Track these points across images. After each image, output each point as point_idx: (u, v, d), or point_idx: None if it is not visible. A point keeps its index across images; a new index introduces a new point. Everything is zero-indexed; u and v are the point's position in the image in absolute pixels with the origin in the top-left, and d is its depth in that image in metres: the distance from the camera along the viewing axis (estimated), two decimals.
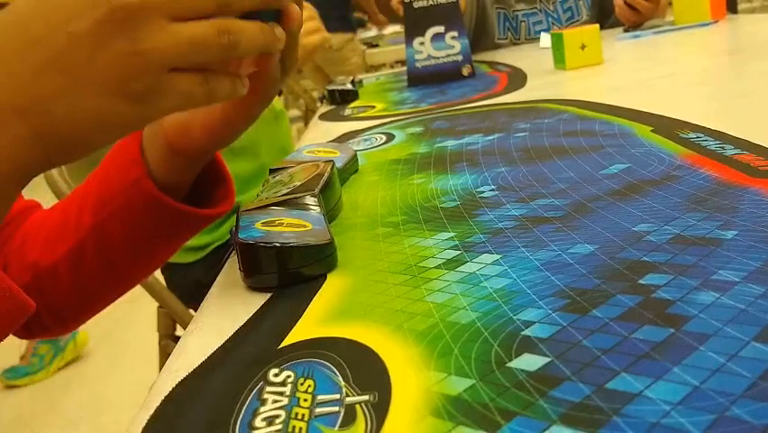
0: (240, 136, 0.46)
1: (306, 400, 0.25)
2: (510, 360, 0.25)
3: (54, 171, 1.01)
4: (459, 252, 0.37)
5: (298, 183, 0.49)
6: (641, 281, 0.29)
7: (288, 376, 0.27)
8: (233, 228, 0.41)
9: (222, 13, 0.32)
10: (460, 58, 1.18)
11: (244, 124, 0.44)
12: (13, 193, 0.33)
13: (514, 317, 0.28)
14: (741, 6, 3.60)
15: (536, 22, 1.62)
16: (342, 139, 0.82)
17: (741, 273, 0.28)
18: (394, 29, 3.81)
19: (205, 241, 1.02)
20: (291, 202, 0.44)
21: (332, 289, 0.36)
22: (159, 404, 0.27)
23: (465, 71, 1.17)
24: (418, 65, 1.20)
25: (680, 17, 1.36)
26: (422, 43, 1.18)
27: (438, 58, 1.18)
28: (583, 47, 1.07)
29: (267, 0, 0.34)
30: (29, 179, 0.33)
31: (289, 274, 0.37)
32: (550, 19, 1.64)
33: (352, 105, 1.17)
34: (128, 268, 0.52)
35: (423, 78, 1.20)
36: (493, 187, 0.49)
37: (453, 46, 1.17)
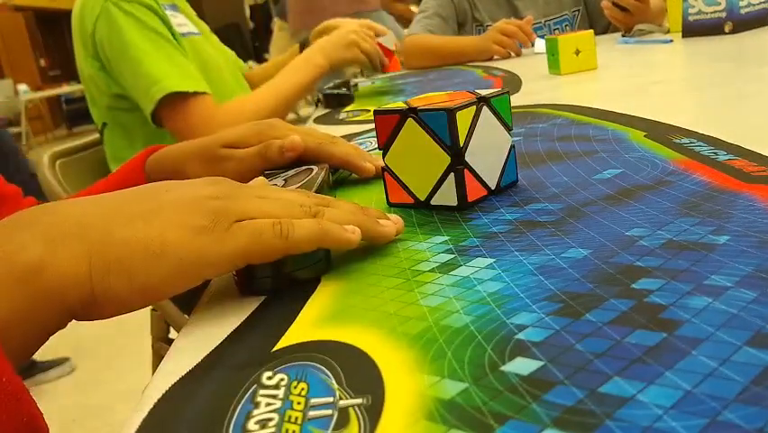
0: None
1: (299, 403, 0.25)
2: (503, 364, 0.25)
3: (50, 176, 1.01)
4: (453, 255, 0.37)
5: (293, 187, 0.49)
6: (634, 286, 0.29)
7: (282, 379, 0.27)
8: None
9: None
10: (723, 15, 1.21)
11: None
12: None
13: (507, 321, 0.28)
14: None
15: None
16: None
17: (733, 278, 0.28)
18: None
19: None
20: None
21: (325, 292, 0.36)
22: (152, 407, 0.27)
23: (727, 28, 1.20)
24: (690, 18, 1.26)
25: (675, 23, 1.37)
26: None
27: (706, 13, 1.23)
28: (578, 52, 1.08)
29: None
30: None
31: (283, 278, 0.37)
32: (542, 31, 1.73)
33: (347, 108, 1.17)
34: None
35: (693, 31, 1.26)
36: None
37: (720, 3, 1.21)
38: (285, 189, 0.41)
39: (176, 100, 1.11)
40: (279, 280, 0.37)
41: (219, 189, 0.37)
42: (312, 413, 0.24)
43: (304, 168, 0.55)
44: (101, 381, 2.02)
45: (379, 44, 1.31)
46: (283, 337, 0.31)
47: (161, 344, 1.16)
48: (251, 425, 0.24)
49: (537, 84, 1.04)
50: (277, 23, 2.89)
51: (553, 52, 1.10)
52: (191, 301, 0.40)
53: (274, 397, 0.26)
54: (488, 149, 0.46)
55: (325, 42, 1.28)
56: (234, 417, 0.25)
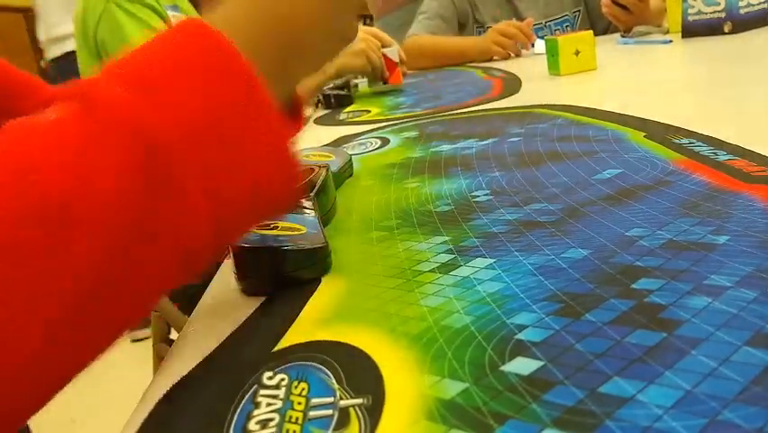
0: None
1: (299, 403, 0.25)
2: (503, 364, 0.25)
3: None
4: (453, 256, 0.37)
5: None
6: (634, 286, 0.29)
7: (282, 379, 0.27)
8: None
9: None
10: (723, 15, 1.21)
11: None
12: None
13: (507, 321, 0.28)
14: None
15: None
16: (337, 143, 0.82)
17: (733, 278, 0.28)
18: None
19: None
20: None
21: (326, 292, 0.36)
22: (152, 407, 0.27)
23: (726, 28, 1.20)
24: (690, 18, 1.25)
25: (674, 24, 1.37)
26: None
27: (706, 13, 1.23)
28: (577, 53, 1.08)
29: None
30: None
31: (284, 278, 0.37)
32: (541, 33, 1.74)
33: (347, 109, 1.17)
34: None
35: (693, 32, 1.25)
36: (487, 191, 0.49)
37: (719, 3, 1.21)
38: None
39: None
40: (280, 280, 0.37)
41: None
42: (312, 413, 0.24)
43: (305, 167, 0.55)
44: (101, 380, 2.02)
45: (384, 55, 1.32)
46: (284, 338, 0.31)
47: (162, 344, 1.16)
48: (252, 425, 0.24)
49: (537, 84, 1.04)
50: None
51: (552, 53, 1.10)
52: (191, 301, 0.40)
53: (275, 397, 0.26)
54: None
55: None
56: (235, 417, 0.25)
